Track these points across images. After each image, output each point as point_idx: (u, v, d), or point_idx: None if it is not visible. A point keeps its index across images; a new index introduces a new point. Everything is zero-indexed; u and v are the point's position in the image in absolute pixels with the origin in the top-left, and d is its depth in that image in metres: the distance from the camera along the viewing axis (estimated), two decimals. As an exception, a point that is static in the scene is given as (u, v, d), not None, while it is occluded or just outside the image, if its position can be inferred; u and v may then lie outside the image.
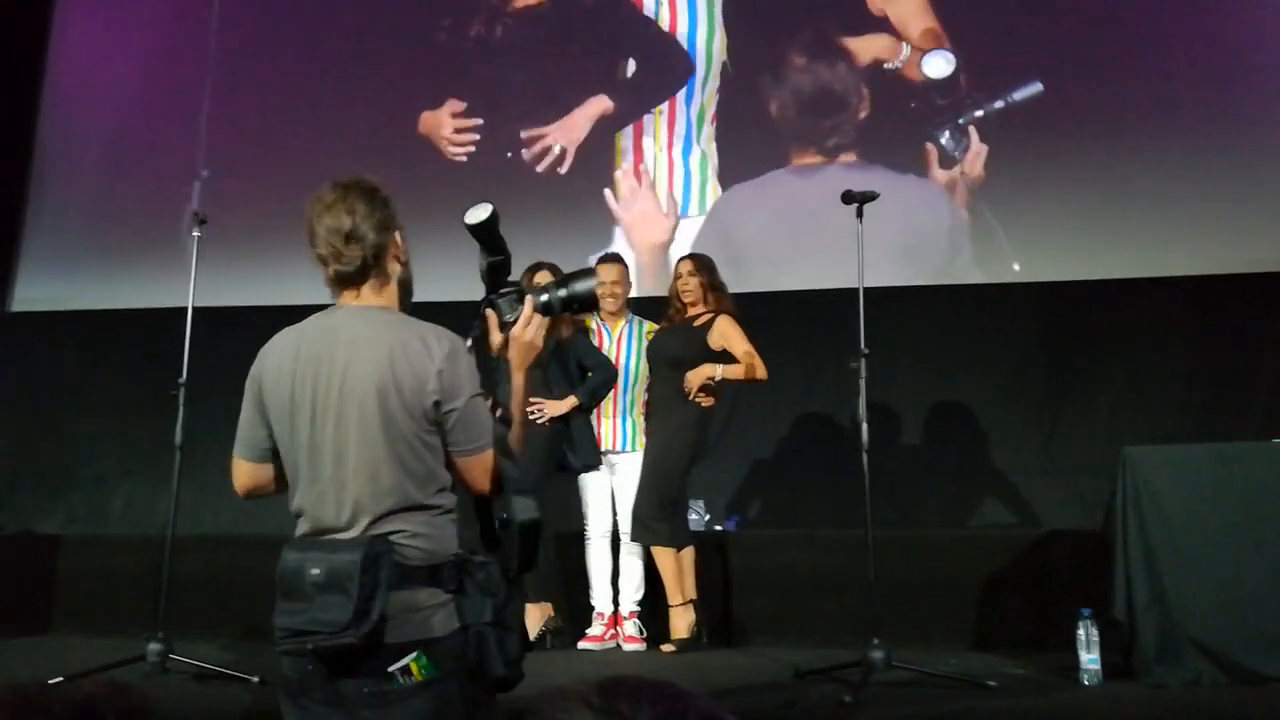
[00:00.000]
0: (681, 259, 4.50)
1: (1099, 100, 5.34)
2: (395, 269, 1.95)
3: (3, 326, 6.00)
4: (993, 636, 4.09)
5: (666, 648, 4.10)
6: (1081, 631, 3.40)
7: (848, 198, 3.75)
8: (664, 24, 5.98)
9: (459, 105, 6.02)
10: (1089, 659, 3.39)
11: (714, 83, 5.92)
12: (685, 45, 5.97)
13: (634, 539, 4.22)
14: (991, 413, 5.16)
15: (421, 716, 1.78)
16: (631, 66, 6.02)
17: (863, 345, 3.64)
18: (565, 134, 5.95)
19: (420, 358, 1.84)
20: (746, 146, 5.79)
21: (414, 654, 1.78)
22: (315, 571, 1.76)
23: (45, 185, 6.21)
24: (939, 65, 5.52)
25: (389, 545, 1.79)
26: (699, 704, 0.86)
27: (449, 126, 6.00)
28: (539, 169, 5.90)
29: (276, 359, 1.92)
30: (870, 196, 3.76)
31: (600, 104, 5.96)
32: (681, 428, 4.17)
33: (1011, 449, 5.11)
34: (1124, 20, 5.43)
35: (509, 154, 5.93)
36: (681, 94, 5.97)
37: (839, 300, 4.16)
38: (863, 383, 3.63)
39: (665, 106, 5.95)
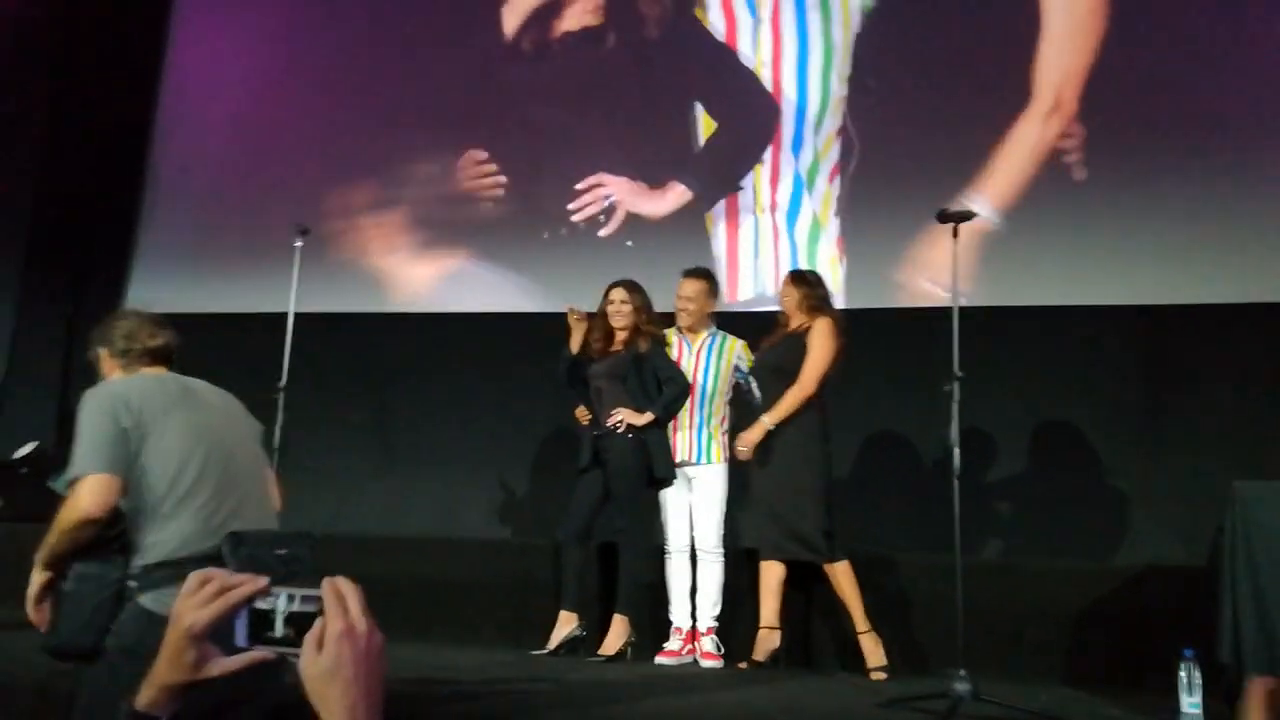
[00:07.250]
0: (787, 276, 4.45)
1: (1210, 113, 5.12)
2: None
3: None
4: (1086, 673, 3.93)
5: (743, 665, 4.05)
6: (1184, 673, 3.25)
7: (943, 217, 3.68)
8: (765, 48, 5.21)
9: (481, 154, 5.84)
10: (1190, 703, 3.23)
11: (831, 123, 5.13)
12: (794, 74, 5.13)
13: (802, 557, 4.05)
14: (1090, 440, 4.98)
15: None
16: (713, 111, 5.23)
17: (956, 368, 3.55)
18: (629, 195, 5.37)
19: None
20: (878, 204, 5.00)
21: None
22: None
23: (159, 192, 6.48)
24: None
25: None
26: None
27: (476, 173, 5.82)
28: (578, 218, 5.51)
29: None
30: (967, 216, 3.69)
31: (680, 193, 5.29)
32: (808, 439, 4.06)
33: (1110, 478, 4.92)
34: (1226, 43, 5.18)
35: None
36: (787, 140, 5.09)
37: (934, 319, 4.07)
38: (955, 406, 3.54)
39: (768, 157, 5.18)
